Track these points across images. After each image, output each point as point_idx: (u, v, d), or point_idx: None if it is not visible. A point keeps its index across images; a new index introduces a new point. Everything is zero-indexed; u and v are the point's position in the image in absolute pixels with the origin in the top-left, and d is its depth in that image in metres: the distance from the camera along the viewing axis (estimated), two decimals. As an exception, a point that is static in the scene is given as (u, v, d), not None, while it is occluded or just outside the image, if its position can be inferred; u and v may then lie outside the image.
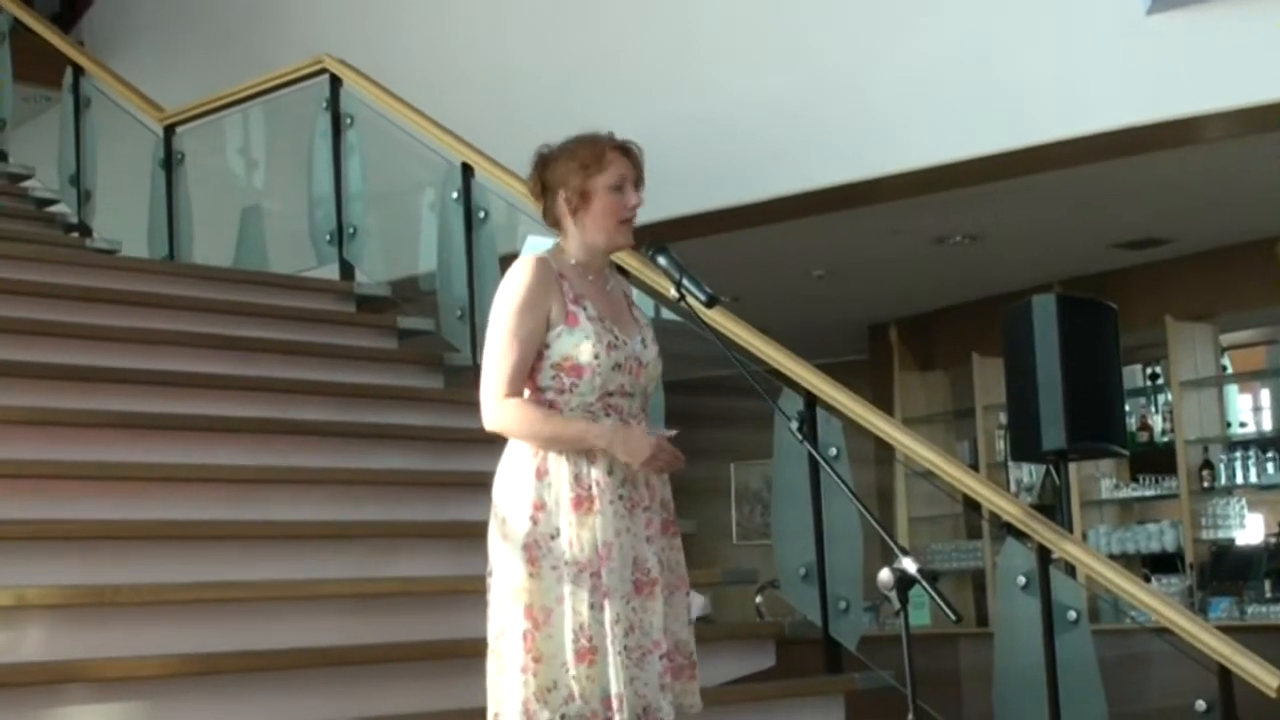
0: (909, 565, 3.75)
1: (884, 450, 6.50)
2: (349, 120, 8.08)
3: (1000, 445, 11.33)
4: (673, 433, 4.03)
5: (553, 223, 4.16)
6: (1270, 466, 10.30)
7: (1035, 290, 8.72)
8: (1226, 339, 11.07)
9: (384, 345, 7.58)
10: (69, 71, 9.35)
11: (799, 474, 5.94)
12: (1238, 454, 10.40)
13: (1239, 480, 10.34)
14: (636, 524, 4.00)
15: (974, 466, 10.81)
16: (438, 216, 7.61)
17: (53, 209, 9.31)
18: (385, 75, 8.08)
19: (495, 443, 4.07)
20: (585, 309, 4.03)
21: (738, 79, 8.87)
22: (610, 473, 3.97)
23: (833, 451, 5.79)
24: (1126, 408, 8.70)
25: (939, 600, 3.72)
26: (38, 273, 7.06)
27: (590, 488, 3.95)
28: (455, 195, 7.41)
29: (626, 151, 4.11)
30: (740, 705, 5.57)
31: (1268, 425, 11.07)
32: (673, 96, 8.95)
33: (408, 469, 6.42)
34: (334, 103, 8.09)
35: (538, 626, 3.90)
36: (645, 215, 4.20)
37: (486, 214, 7.35)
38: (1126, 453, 8.24)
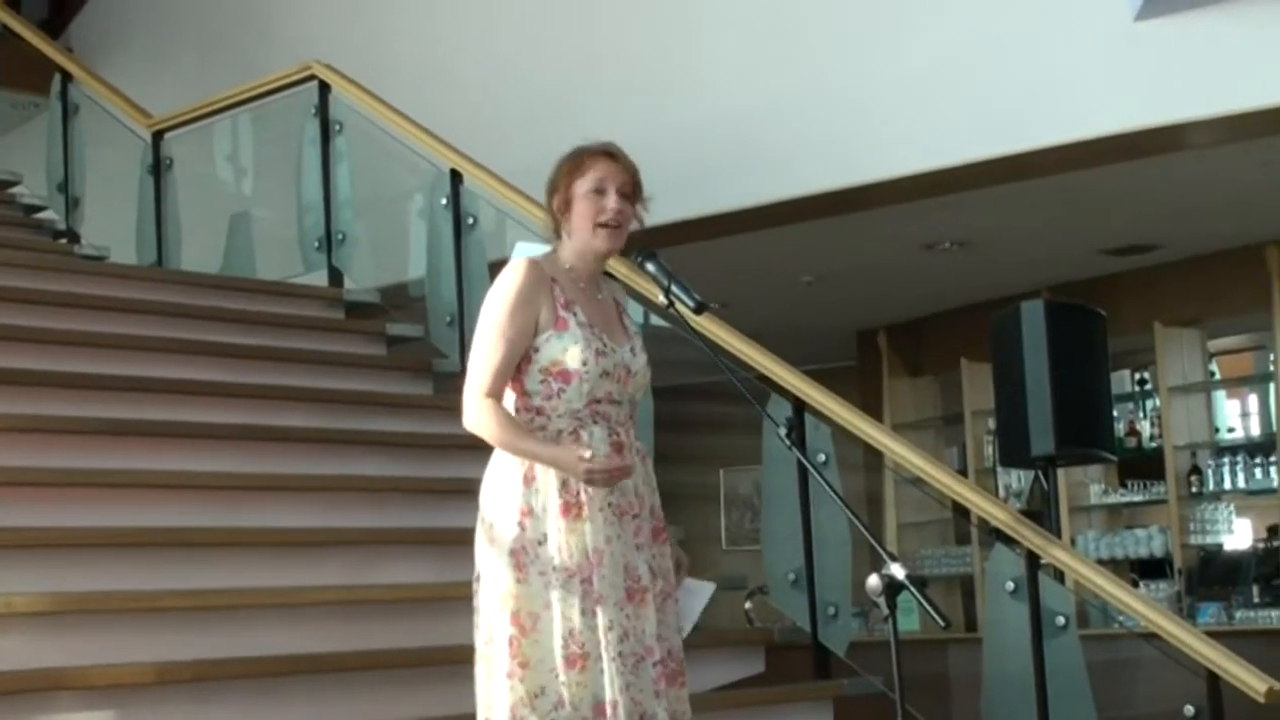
0: (898, 571, 3.75)
1: (873, 456, 6.50)
2: (338, 126, 8.07)
3: (989, 451, 11.34)
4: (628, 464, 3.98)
5: (554, 229, 4.17)
6: (1258, 472, 10.32)
7: (1024, 296, 8.75)
8: (1214, 345, 11.09)
9: (373, 351, 7.57)
10: (57, 78, 9.35)
11: (788, 480, 5.95)
12: (1226, 459, 10.43)
13: (1227, 485, 10.37)
14: (626, 531, 3.99)
15: (963, 472, 10.83)
16: (427, 223, 7.61)
17: (41, 215, 9.30)
18: (374, 82, 8.08)
19: (483, 449, 4.07)
20: (575, 315, 4.03)
21: (728, 86, 8.88)
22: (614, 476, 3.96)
23: (821, 458, 5.79)
24: (1115, 413, 8.70)
25: (928, 606, 3.72)
26: (25, 279, 7.04)
27: (578, 494, 3.94)
28: (444, 201, 7.41)
29: (613, 157, 4.11)
30: (730, 711, 5.56)
31: (1255, 431, 11.09)
32: (663, 102, 8.95)
33: (396, 475, 6.42)
34: (323, 109, 8.09)
35: (525, 632, 3.90)
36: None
37: (475, 220, 7.35)
38: (1115, 458, 8.26)
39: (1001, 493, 11.16)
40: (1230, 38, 7.31)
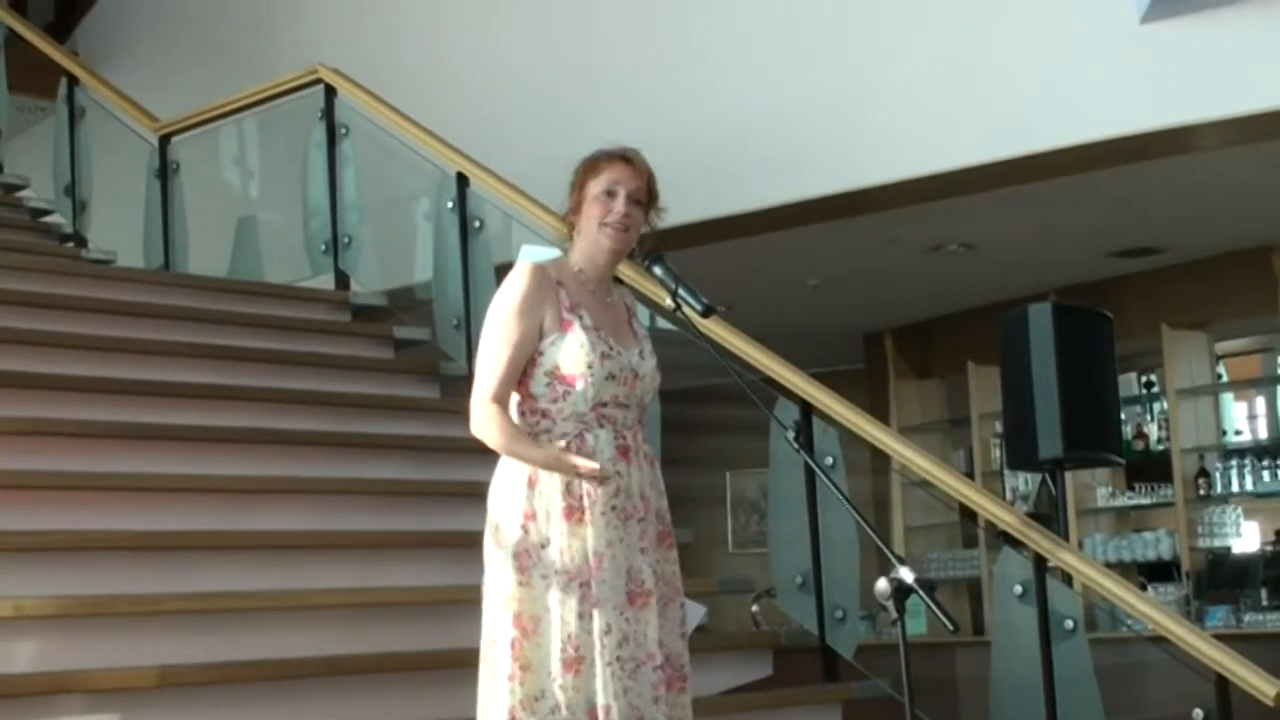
0: (906, 574, 3.75)
1: (880, 459, 6.49)
2: (344, 130, 8.07)
3: (996, 454, 11.33)
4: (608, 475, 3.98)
5: (569, 231, 4.19)
6: (1266, 474, 10.31)
7: (1031, 299, 8.72)
8: (1222, 347, 11.08)
9: (379, 355, 7.57)
10: (64, 82, 9.35)
11: (795, 483, 5.94)
12: (1233, 462, 10.41)
13: (1235, 488, 10.35)
14: (630, 535, 3.99)
15: (970, 475, 10.82)
16: (433, 226, 7.61)
17: (48, 219, 9.30)
18: (380, 85, 8.08)
19: (490, 452, 4.06)
20: (581, 318, 4.03)
21: (733, 89, 8.88)
22: (601, 483, 3.97)
23: (829, 460, 5.79)
24: (1122, 416, 8.70)
25: (936, 609, 3.72)
26: (33, 283, 7.05)
27: (581, 498, 3.94)
28: (451, 205, 7.41)
29: (628, 162, 4.11)
30: (737, 715, 5.57)
31: (1263, 433, 11.07)
32: (668, 106, 8.95)
33: (403, 479, 6.42)
34: (329, 112, 8.09)
35: (526, 635, 3.90)
36: (641, 224, 4.20)
37: (482, 223, 7.35)
38: (1122, 461, 8.24)
39: (1009, 496, 11.16)
40: (1237, 40, 7.31)
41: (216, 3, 11.75)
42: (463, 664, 4.18)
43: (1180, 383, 10.48)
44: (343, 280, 8.02)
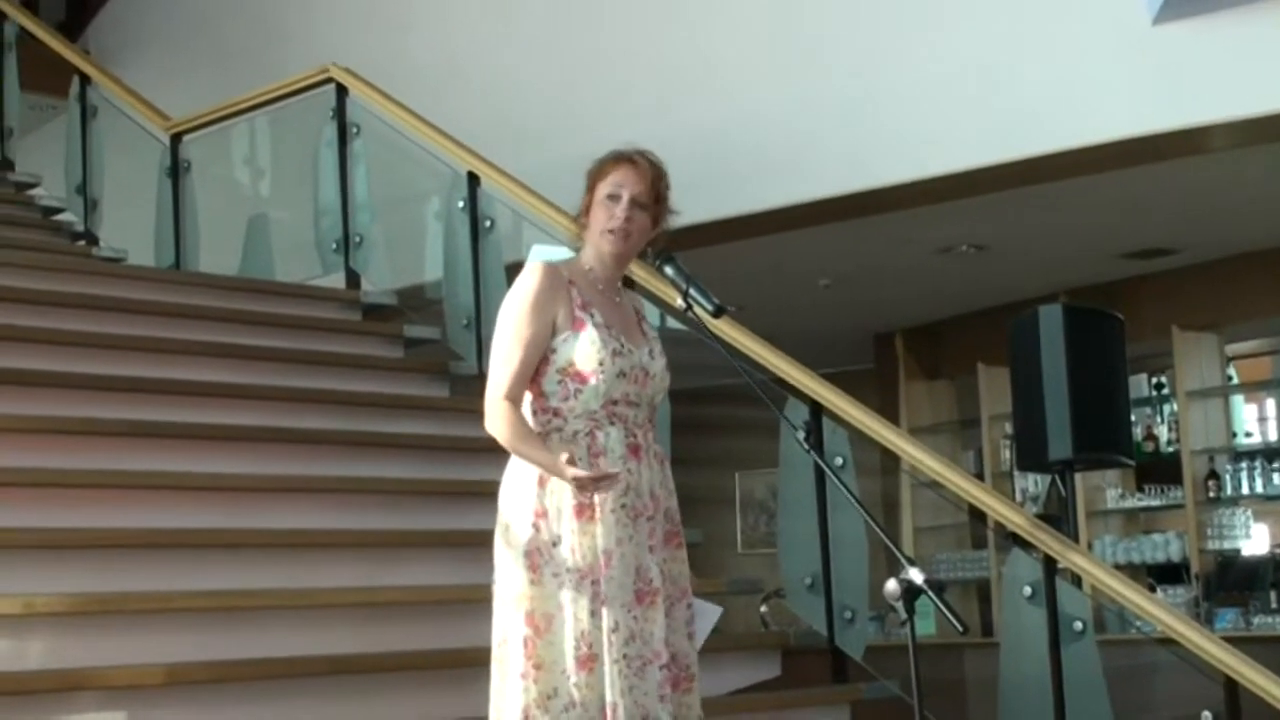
0: (915, 575, 3.75)
1: (890, 460, 6.50)
2: (355, 129, 8.08)
3: (1006, 455, 11.33)
4: (615, 472, 3.98)
5: (582, 229, 4.20)
6: (1276, 477, 10.29)
7: (1041, 300, 8.75)
8: (1232, 349, 11.08)
9: (390, 354, 7.58)
10: (75, 80, 9.36)
11: (805, 483, 5.94)
12: (1243, 464, 10.40)
13: (1245, 490, 10.34)
14: (640, 533, 3.99)
15: (979, 476, 10.82)
16: (444, 225, 7.62)
17: (59, 217, 9.32)
18: (391, 84, 8.09)
19: (501, 451, 4.07)
20: (592, 316, 4.04)
21: (744, 89, 8.88)
22: (604, 486, 3.97)
23: (839, 461, 5.79)
24: (1132, 418, 8.69)
25: (945, 611, 3.72)
26: (44, 281, 7.07)
27: (592, 496, 3.95)
28: (461, 204, 7.42)
29: (633, 164, 4.12)
30: (745, 715, 5.58)
31: (1273, 435, 11.07)
32: (679, 106, 8.96)
33: (414, 477, 6.43)
34: (340, 112, 8.10)
35: (539, 633, 3.91)
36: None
37: (492, 223, 7.36)
38: (1132, 463, 8.24)
39: (1018, 497, 11.15)
40: (1249, 40, 7.30)
41: (228, 2, 11.77)
42: (474, 663, 4.19)
43: (1190, 384, 10.46)
44: (353, 279, 8.03)
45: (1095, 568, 5.43)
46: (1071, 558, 5.36)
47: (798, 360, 5.98)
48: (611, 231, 4.09)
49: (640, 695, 3.91)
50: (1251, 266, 9.98)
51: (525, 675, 3.89)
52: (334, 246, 8.08)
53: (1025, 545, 5.43)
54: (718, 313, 4.18)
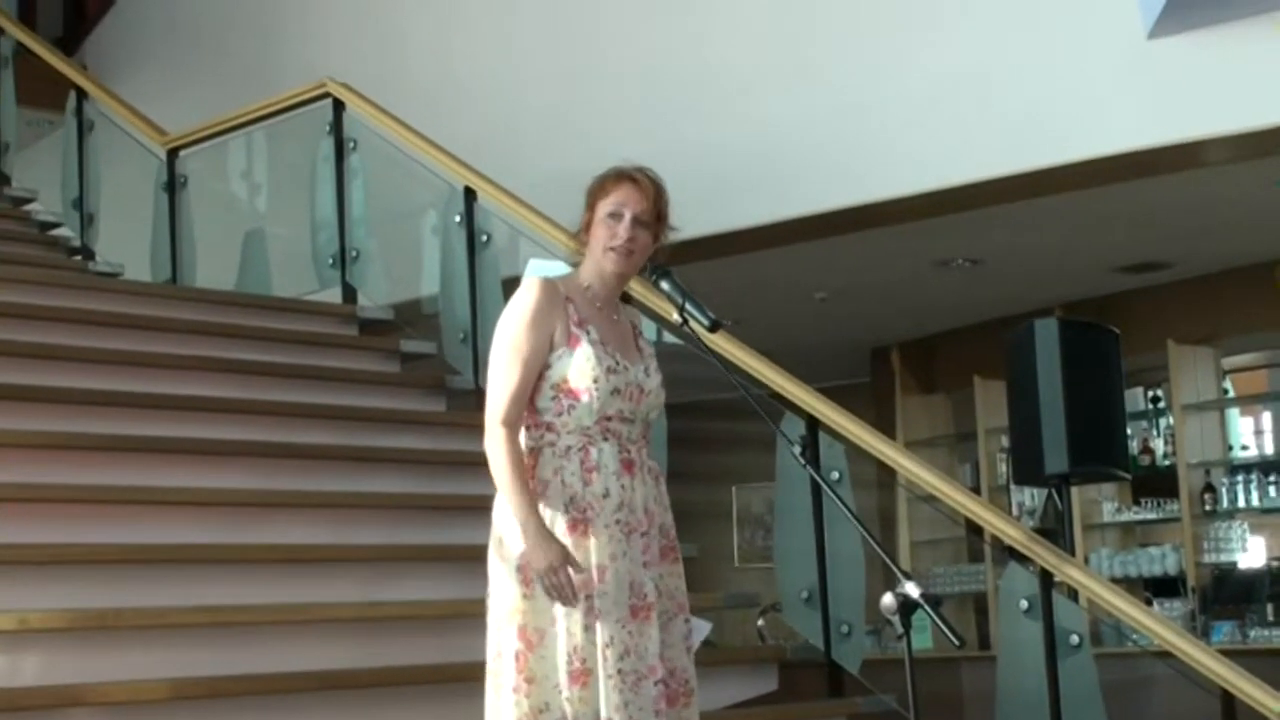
0: (912, 589, 3.75)
1: (886, 474, 6.50)
2: (352, 144, 8.10)
3: (1002, 468, 11.33)
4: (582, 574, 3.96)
5: (581, 246, 4.21)
6: (1272, 490, 10.29)
7: (1037, 314, 8.76)
8: (1228, 362, 11.08)
9: (386, 368, 7.58)
10: (72, 95, 9.37)
11: (801, 497, 5.94)
12: (1239, 477, 10.40)
13: (1241, 504, 10.33)
14: (633, 549, 4.00)
15: (976, 490, 10.81)
16: (440, 240, 7.63)
17: (56, 232, 9.32)
18: (388, 99, 8.10)
19: (496, 466, 4.07)
20: (588, 332, 4.05)
21: (741, 104, 8.89)
22: (606, 496, 3.98)
23: (835, 475, 5.79)
24: (1128, 431, 8.69)
25: (941, 624, 3.72)
26: (41, 296, 7.07)
27: (585, 511, 3.96)
28: (458, 219, 7.43)
29: (635, 182, 4.12)
30: (742, 729, 5.57)
31: (1269, 449, 11.06)
32: (677, 121, 8.96)
33: (410, 492, 6.43)
34: (337, 126, 8.11)
35: (531, 647, 3.92)
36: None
37: (489, 237, 7.37)
38: (1128, 476, 8.24)
39: (1015, 510, 11.15)
40: (1245, 55, 7.31)
41: (225, 17, 11.78)
42: (469, 677, 4.19)
43: (1186, 398, 10.47)
44: (350, 294, 8.03)
45: (1092, 581, 5.43)
46: (1068, 571, 5.36)
47: (794, 374, 5.98)
48: (614, 250, 4.09)
49: (635, 710, 3.91)
50: (1247, 280, 9.98)
51: (518, 690, 3.90)
52: (331, 261, 8.08)
53: (1022, 559, 5.43)
54: (714, 327, 4.18)
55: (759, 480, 11.77)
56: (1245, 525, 10.44)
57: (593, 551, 3.95)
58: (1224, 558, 10.30)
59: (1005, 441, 10.62)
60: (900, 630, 3.75)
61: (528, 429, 4.05)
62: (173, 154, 8.76)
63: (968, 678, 8.80)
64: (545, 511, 3.96)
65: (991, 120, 8.05)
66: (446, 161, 7.55)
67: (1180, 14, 7.31)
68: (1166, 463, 10.77)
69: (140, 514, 5.51)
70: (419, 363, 7.66)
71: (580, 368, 4.00)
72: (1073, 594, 5.50)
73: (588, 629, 3.91)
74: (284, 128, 8.67)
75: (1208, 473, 10.46)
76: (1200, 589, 10.10)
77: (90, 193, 9.12)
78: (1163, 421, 11.02)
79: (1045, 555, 5.32)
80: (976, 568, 11.27)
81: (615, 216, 4.09)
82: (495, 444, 3.98)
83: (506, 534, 3.99)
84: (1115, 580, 9.66)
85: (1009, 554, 5.49)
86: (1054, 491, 7.85)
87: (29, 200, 9.70)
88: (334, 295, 8.07)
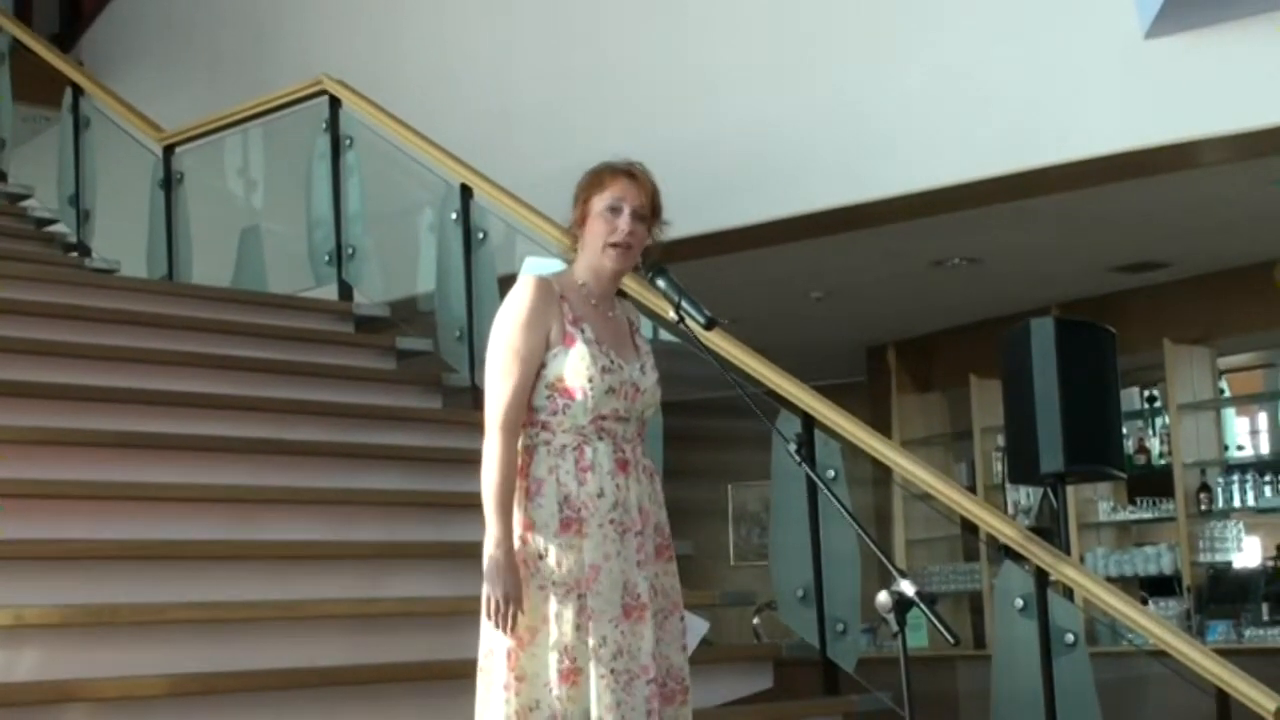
0: (907, 587, 3.75)
1: (882, 472, 6.50)
2: (348, 141, 8.09)
3: (998, 467, 11.34)
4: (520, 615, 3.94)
5: (573, 242, 4.19)
6: (1268, 489, 10.31)
7: (1033, 313, 8.77)
8: (1224, 362, 11.09)
9: (382, 366, 7.58)
10: (68, 91, 9.37)
11: (797, 496, 5.95)
12: (1235, 477, 10.42)
13: (1236, 503, 10.35)
14: (627, 548, 3.99)
15: (971, 488, 10.82)
16: (436, 237, 7.63)
17: (52, 229, 9.32)
18: (384, 97, 8.10)
19: (492, 464, 4.07)
20: (583, 331, 4.03)
21: (737, 102, 8.89)
22: (600, 495, 3.97)
23: (830, 473, 5.79)
24: (1124, 431, 8.70)
25: (937, 623, 3.72)
26: (36, 292, 7.06)
27: (579, 510, 3.95)
28: (454, 216, 7.42)
29: (633, 177, 4.11)
30: (738, 727, 5.57)
31: (1265, 448, 11.09)
32: (673, 119, 8.97)
33: (406, 489, 6.42)
34: (333, 124, 8.11)
35: (523, 645, 3.91)
36: (645, 237, 4.20)
37: (485, 235, 7.37)
38: (1124, 475, 8.25)
39: (1010, 509, 11.15)
40: (1242, 55, 7.31)
41: (222, 14, 11.77)
42: (465, 675, 4.18)
43: (1182, 397, 10.48)
44: (346, 291, 8.03)
45: (1087, 580, 5.43)
46: (1063, 570, 5.36)
47: (790, 373, 5.98)
48: (615, 245, 4.08)
49: (628, 710, 3.90)
50: (1243, 280, 10.00)
51: (508, 687, 3.90)
52: (327, 258, 8.08)
53: (1017, 558, 5.43)
54: (710, 325, 4.17)
55: (755, 478, 11.76)
56: (1240, 525, 10.46)
57: (586, 551, 3.94)
58: (1219, 557, 10.32)
59: (1001, 440, 10.61)
60: (895, 628, 3.75)
61: (523, 427, 4.04)
62: (169, 150, 8.76)
63: (963, 676, 8.82)
64: (541, 511, 3.95)
65: (988, 119, 8.06)
66: (442, 159, 7.55)
67: (1177, 14, 7.31)
68: (1162, 462, 10.79)
69: (136, 510, 5.51)
70: (415, 360, 7.66)
71: (575, 367, 3.99)
72: (1068, 593, 5.51)
73: (579, 628, 3.90)
74: (280, 125, 8.67)
75: (1203, 472, 10.47)
76: (1195, 588, 10.12)
77: (86, 189, 9.12)
78: (1158, 421, 11.03)
79: (1041, 554, 5.32)
80: (972, 566, 11.28)
81: (614, 211, 4.07)
82: (491, 452, 3.97)
83: (489, 530, 3.98)
84: (1110, 579, 9.66)
85: (1004, 553, 5.49)
86: (1049, 490, 7.87)
87: (25, 196, 9.70)
88: (330, 292, 8.07)
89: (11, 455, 5.48)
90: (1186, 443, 10.45)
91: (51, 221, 9.36)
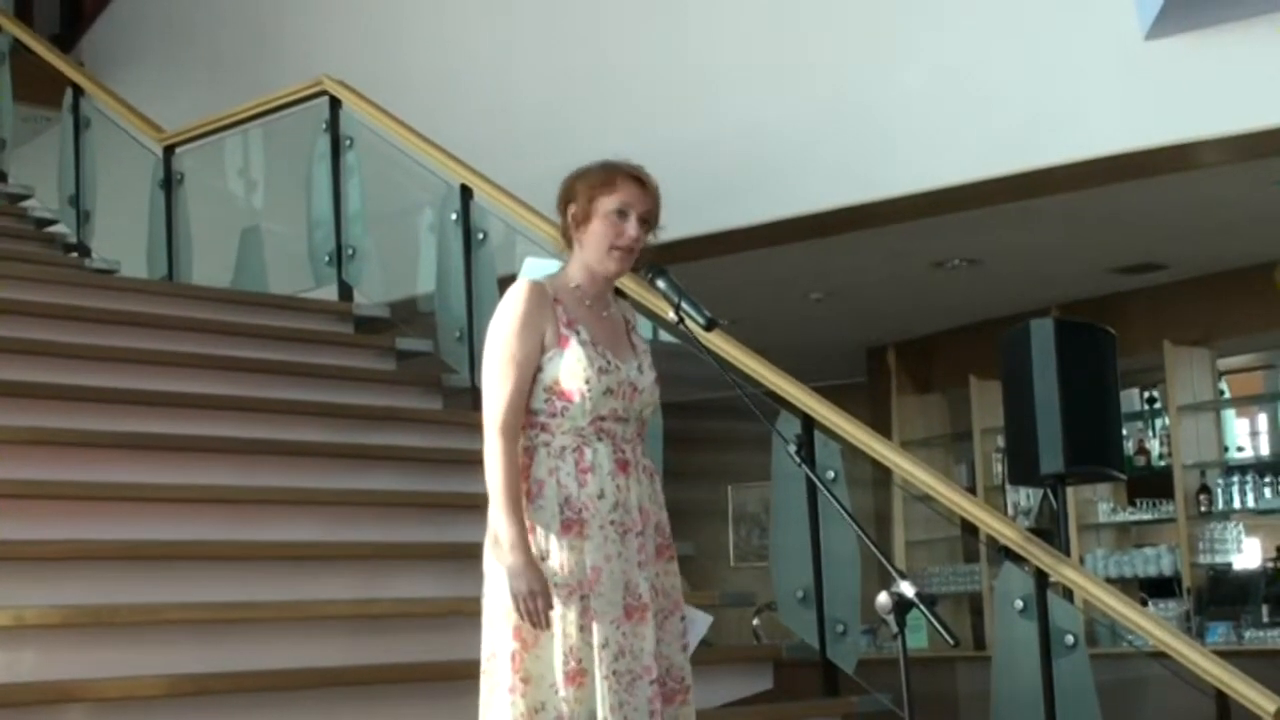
0: (907, 589, 3.75)
1: (882, 473, 6.50)
2: (348, 141, 8.09)
3: (998, 469, 11.34)
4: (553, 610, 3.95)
5: (565, 240, 4.17)
6: (1268, 491, 10.31)
7: (1034, 314, 8.76)
8: (1224, 364, 11.09)
9: (382, 366, 7.58)
10: (69, 92, 9.37)
11: (797, 497, 5.94)
12: (1235, 478, 10.42)
13: (1236, 505, 10.35)
14: (629, 549, 3.98)
15: (971, 490, 10.82)
16: (436, 238, 7.62)
17: (52, 229, 9.32)
18: (385, 97, 8.09)
19: (493, 464, 4.06)
20: (578, 333, 4.03)
21: (738, 102, 8.89)
22: (601, 497, 3.97)
23: (830, 474, 5.79)
24: (1124, 432, 8.69)
25: (936, 624, 3.72)
26: (36, 293, 7.06)
27: (580, 511, 3.95)
28: (454, 216, 7.42)
29: (641, 184, 4.11)
30: (737, 728, 5.57)
31: (1265, 450, 11.08)
32: (673, 120, 8.97)
33: (406, 490, 6.42)
34: (333, 124, 8.11)
35: (527, 647, 3.91)
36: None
37: (485, 235, 7.37)
38: (1124, 477, 8.25)
39: (1010, 511, 11.16)
40: (1242, 57, 7.31)
41: (222, 14, 11.77)
42: (464, 675, 4.19)
43: (1182, 399, 10.49)
44: (346, 292, 8.03)
45: (1087, 581, 5.43)
46: (1063, 571, 5.36)
47: (790, 374, 5.98)
48: (621, 249, 4.07)
49: (630, 711, 3.90)
50: (1243, 282, 10.00)
51: (513, 690, 3.89)
52: (327, 259, 8.07)
53: (1017, 559, 5.43)
54: (710, 326, 4.17)
55: (754, 479, 11.77)
56: (1240, 526, 10.46)
57: (587, 552, 3.94)
58: (1219, 559, 10.32)
59: (1001, 441, 10.61)
60: (895, 630, 3.75)
61: (523, 429, 4.03)
62: (169, 151, 8.76)
63: (963, 677, 8.81)
64: (541, 511, 3.95)
65: (989, 120, 8.06)
66: (443, 159, 7.55)
67: (1178, 15, 7.32)
68: (1162, 463, 10.79)
69: (136, 510, 5.51)
70: (415, 360, 7.66)
71: (571, 369, 3.99)
72: (1068, 594, 5.50)
73: (583, 629, 3.90)
74: (280, 125, 8.66)
75: (1203, 474, 10.47)
76: (1195, 590, 10.12)
77: (86, 189, 9.12)
78: (1158, 422, 11.03)
79: (1040, 555, 5.32)
80: (972, 567, 11.28)
81: (622, 215, 4.07)
82: (493, 456, 3.96)
83: (502, 534, 3.98)
84: (1110, 581, 9.66)
85: (1004, 554, 5.49)
86: (1049, 492, 7.87)
87: (25, 197, 9.70)
88: (330, 293, 8.07)
89: (12, 455, 5.48)
90: (1186, 444, 10.45)
91: (52, 222, 9.36)
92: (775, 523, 6.26)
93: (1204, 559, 10.29)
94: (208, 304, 7.58)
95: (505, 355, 4.00)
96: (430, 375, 7.42)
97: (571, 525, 3.94)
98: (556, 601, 3.90)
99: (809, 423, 5.84)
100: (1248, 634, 9.44)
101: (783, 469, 5.99)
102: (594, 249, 4.09)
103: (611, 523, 3.97)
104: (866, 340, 12.33)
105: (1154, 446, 10.95)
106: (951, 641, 3.73)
